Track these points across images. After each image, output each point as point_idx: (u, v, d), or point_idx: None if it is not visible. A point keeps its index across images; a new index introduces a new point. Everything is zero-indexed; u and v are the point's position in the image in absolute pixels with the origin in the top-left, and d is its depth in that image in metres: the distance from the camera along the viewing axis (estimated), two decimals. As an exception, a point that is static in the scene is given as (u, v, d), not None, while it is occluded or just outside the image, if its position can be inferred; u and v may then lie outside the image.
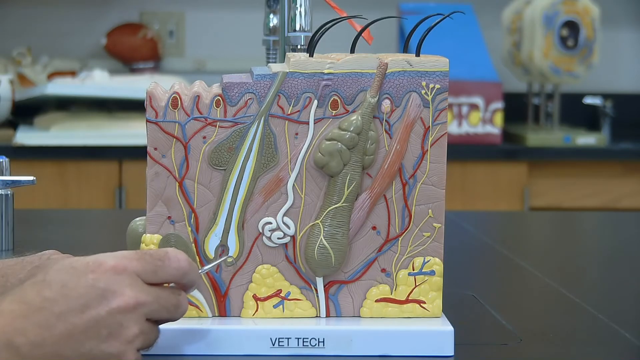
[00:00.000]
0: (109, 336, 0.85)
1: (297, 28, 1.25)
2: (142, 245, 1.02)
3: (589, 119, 3.46)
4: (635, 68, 3.62)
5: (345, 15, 1.04)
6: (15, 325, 0.82)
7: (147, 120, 1.01)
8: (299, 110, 1.01)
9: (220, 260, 1.01)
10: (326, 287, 1.04)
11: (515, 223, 2.05)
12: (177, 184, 1.02)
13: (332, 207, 1.02)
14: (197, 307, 1.02)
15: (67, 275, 0.85)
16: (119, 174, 2.92)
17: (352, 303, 1.04)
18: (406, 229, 1.03)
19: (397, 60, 1.01)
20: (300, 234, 1.02)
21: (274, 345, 1.00)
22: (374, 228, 1.03)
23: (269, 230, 1.02)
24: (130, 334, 0.86)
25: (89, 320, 0.84)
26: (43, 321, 0.83)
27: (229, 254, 1.02)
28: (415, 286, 1.04)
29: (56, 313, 0.83)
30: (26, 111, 3.09)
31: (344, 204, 1.02)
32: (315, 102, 1.01)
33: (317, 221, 1.02)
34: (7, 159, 1.41)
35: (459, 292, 1.26)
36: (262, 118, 1.01)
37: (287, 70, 1.01)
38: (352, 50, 1.04)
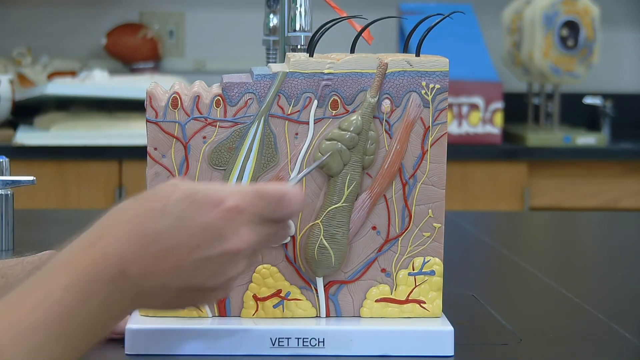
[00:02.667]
0: (216, 274, 0.85)
1: (297, 28, 1.25)
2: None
3: (589, 119, 3.46)
4: (635, 68, 3.62)
5: (345, 15, 1.04)
6: (130, 254, 0.82)
7: (147, 120, 1.01)
8: (299, 110, 1.01)
9: (315, 165, 1.01)
10: (326, 287, 1.04)
11: (515, 223, 2.05)
12: (177, 184, 1.01)
13: (332, 207, 1.02)
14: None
15: (186, 209, 0.84)
16: (119, 174, 2.92)
17: (352, 303, 1.04)
18: (406, 229, 1.03)
19: (397, 60, 1.01)
20: (300, 234, 1.02)
21: (274, 345, 1.00)
22: (374, 228, 1.03)
23: (269, 230, 1.02)
24: (237, 272, 0.86)
25: (199, 259, 0.84)
26: (156, 253, 0.83)
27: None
28: (415, 286, 1.04)
29: (170, 247, 0.83)
30: (26, 111, 3.09)
31: (344, 204, 1.02)
32: (315, 102, 1.01)
33: (317, 221, 1.02)
34: (7, 159, 1.41)
35: (459, 292, 1.26)
36: (262, 118, 1.01)
37: (287, 70, 1.01)
38: (352, 50, 1.04)
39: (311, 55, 1.01)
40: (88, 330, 0.81)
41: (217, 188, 0.87)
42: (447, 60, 1.02)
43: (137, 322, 1.00)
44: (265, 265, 1.03)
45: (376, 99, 1.01)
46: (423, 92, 1.02)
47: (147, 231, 0.83)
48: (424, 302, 1.04)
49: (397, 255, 1.04)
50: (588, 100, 3.43)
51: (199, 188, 0.86)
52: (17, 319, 0.78)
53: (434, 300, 1.04)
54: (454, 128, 3.06)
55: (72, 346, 0.80)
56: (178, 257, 0.83)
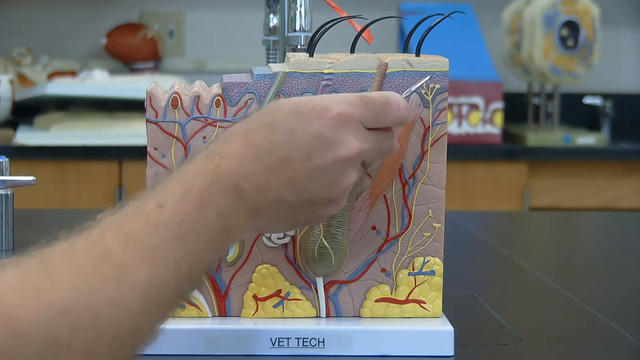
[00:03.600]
0: (330, 184, 0.86)
1: (297, 28, 1.25)
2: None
3: (589, 119, 3.46)
4: (635, 68, 3.62)
5: (345, 15, 1.04)
6: (244, 169, 0.82)
7: (147, 120, 1.01)
8: (299, 110, 1.01)
9: (423, 82, 1.00)
10: (326, 287, 1.04)
11: (515, 223, 2.05)
12: (177, 184, 1.01)
13: (332, 207, 1.02)
14: (197, 307, 1.02)
15: (294, 121, 0.85)
16: (119, 174, 2.92)
17: (352, 303, 1.04)
18: (406, 229, 1.03)
19: (397, 60, 1.01)
20: (300, 234, 1.02)
21: (274, 345, 1.00)
22: (374, 228, 1.03)
23: (269, 230, 1.02)
24: (349, 182, 0.87)
25: (312, 168, 0.85)
26: (269, 166, 0.83)
27: (229, 254, 1.02)
28: (415, 286, 1.04)
29: (282, 158, 0.84)
30: (26, 111, 3.09)
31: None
32: (315, 102, 1.01)
33: (317, 221, 1.02)
34: (7, 159, 1.41)
35: (459, 292, 1.26)
36: (262, 118, 1.01)
37: (287, 70, 1.01)
38: (352, 50, 1.03)
39: (311, 55, 1.01)
40: (205, 239, 0.79)
41: (322, 97, 0.88)
42: (447, 60, 1.02)
43: (137, 322, 1.00)
44: (265, 265, 1.03)
45: (376, 99, 1.01)
46: (423, 92, 1.02)
47: (259, 145, 0.83)
48: (424, 302, 1.04)
49: (397, 255, 1.04)
50: (588, 100, 3.43)
51: (304, 100, 0.87)
52: (130, 226, 0.77)
53: (434, 300, 1.04)
54: (454, 128, 3.06)
55: (189, 251, 0.78)
56: (291, 169, 0.84)
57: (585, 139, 3.13)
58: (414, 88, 0.99)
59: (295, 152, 0.84)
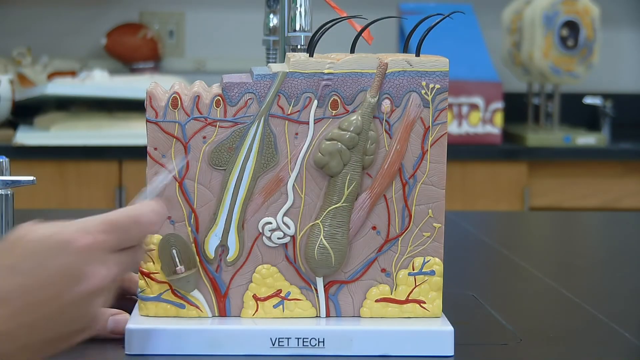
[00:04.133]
0: (80, 317, 0.83)
1: (297, 28, 1.25)
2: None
3: (589, 119, 3.46)
4: (635, 68, 3.62)
5: (345, 15, 1.04)
6: None
7: (147, 120, 1.01)
8: (299, 110, 1.01)
9: (167, 180, 0.99)
10: (326, 287, 1.04)
11: (515, 223, 2.05)
12: (177, 184, 1.02)
13: (332, 207, 1.02)
14: (197, 307, 1.02)
15: (36, 260, 0.82)
16: (119, 174, 2.92)
17: (352, 303, 1.04)
18: (406, 229, 1.03)
19: (397, 60, 1.01)
20: (300, 234, 1.02)
21: (274, 345, 1.00)
22: (374, 228, 1.03)
23: (269, 230, 1.02)
24: (98, 308, 0.84)
25: (59, 307, 0.82)
26: (13, 312, 0.80)
27: (229, 254, 1.03)
28: (415, 286, 1.04)
29: (22, 306, 0.81)
30: (26, 111, 3.09)
31: (344, 204, 1.01)
32: (315, 102, 1.01)
33: (317, 221, 1.02)
34: (7, 159, 1.41)
35: (459, 292, 1.26)
36: (262, 118, 1.01)
37: (287, 70, 1.01)
38: (352, 50, 1.03)
39: (311, 55, 1.01)
40: None
41: (65, 230, 0.84)
42: (447, 60, 1.02)
43: (137, 322, 1.00)
44: (265, 265, 1.03)
45: (376, 99, 1.01)
46: (423, 92, 1.02)
47: (1, 291, 0.80)
48: (424, 302, 1.04)
49: (397, 255, 1.04)
50: (588, 100, 3.43)
51: (46, 234, 0.83)
52: None
53: (434, 300, 1.04)
54: (454, 128, 3.06)
55: None
56: (36, 312, 0.80)
57: (585, 139, 3.13)
58: (159, 185, 0.98)
59: (37, 297, 0.81)
